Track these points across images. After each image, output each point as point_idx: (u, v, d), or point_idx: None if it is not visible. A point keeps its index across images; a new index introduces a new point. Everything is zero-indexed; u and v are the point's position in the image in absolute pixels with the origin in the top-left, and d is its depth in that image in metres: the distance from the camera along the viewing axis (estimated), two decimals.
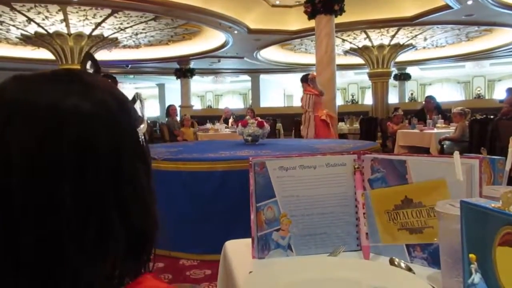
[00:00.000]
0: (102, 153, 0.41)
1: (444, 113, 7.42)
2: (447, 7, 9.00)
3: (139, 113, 0.50)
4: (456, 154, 0.76)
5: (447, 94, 18.11)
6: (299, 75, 21.10)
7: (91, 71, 0.52)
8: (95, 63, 0.53)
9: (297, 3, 9.43)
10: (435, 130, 6.28)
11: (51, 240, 0.38)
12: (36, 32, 9.66)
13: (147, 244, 0.46)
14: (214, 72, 18.56)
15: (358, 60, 13.52)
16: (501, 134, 5.00)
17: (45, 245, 0.38)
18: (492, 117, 5.67)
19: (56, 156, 0.39)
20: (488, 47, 13.48)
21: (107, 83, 0.47)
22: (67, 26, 9.44)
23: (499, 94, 13.72)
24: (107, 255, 0.41)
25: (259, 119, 4.29)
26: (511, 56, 15.13)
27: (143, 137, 0.48)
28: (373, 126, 8.72)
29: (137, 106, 0.51)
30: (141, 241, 0.45)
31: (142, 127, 0.49)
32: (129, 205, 0.43)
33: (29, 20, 8.99)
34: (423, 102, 8.38)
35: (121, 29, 10.21)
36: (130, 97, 0.51)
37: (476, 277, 0.47)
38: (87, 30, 9.79)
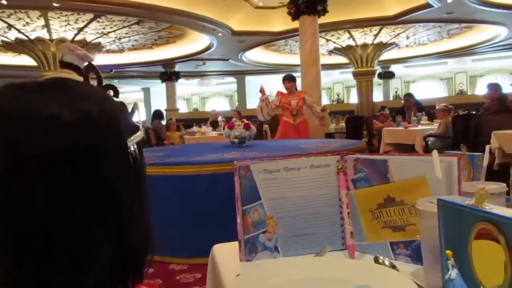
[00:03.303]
0: (80, 164, 0.39)
1: (425, 109, 7.56)
2: (428, 5, 9.14)
3: (135, 122, 0.49)
4: (435, 152, 0.78)
5: (431, 90, 18.37)
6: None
7: (94, 81, 0.52)
8: (97, 73, 0.53)
9: (281, 4, 9.47)
10: (420, 127, 6.36)
11: (28, 257, 0.37)
12: (17, 38, 9.52)
13: (136, 264, 0.44)
14: (200, 74, 18.52)
15: (342, 59, 13.64)
16: (483, 129, 5.10)
17: (22, 263, 0.37)
18: (474, 112, 5.77)
19: (31, 166, 0.37)
20: (469, 43, 13.73)
21: (96, 93, 0.46)
22: (49, 31, 9.32)
23: (481, 89, 13.94)
24: (87, 274, 0.39)
25: (245, 121, 4.30)
26: (491, 52, 15.43)
27: (135, 146, 0.46)
28: (359, 124, 8.79)
29: (134, 115, 0.50)
30: (129, 261, 0.43)
31: (138, 135, 0.48)
32: (112, 221, 0.41)
33: (10, 26, 8.86)
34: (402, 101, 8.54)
35: (104, 34, 10.13)
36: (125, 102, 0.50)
37: (453, 273, 0.49)
38: (69, 36, 9.68)
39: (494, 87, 5.83)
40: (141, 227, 0.45)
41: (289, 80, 5.47)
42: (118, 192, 0.42)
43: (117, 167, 0.43)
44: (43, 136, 0.39)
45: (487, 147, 0.90)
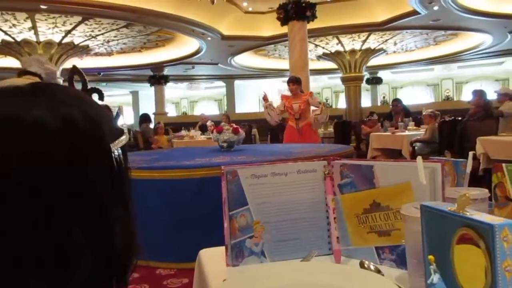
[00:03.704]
0: (60, 169, 0.39)
1: (412, 114, 7.68)
2: (415, 12, 9.29)
3: (119, 126, 0.49)
4: (419, 158, 0.80)
5: (418, 96, 18.61)
6: (274, 80, 21.09)
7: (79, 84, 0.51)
8: (81, 76, 0.52)
9: (270, 9, 9.53)
10: (407, 132, 6.44)
11: (6, 263, 0.36)
12: (3, 40, 9.40)
13: (121, 270, 0.44)
14: (189, 78, 18.49)
15: (331, 65, 13.76)
16: (469, 134, 5.18)
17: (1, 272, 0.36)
18: (460, 118, 5.86)
19: (12, 171, 0.37)
20: (455, 50, 13.98)
21: (80, 97, 0.45)
22: (36, 33, 9.23)
23: (467, 96, 14.17)
24: (70, 280, 0.39)
25: (234, 125, 4.30)
26: (477, 59, 15.72)
27: (119, 151, 0.46)
28: (347, 129, 8.86)
29: (119, 119, 0.50)
30: (113, 266, 0.43)
31: (122, 139, 0.47)
32: (95, 227, 0.41)
33: None
34: (390, 106, 8.66)
35: (92, 37, 10.06)
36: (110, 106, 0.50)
37: (435, 277, 0.50)
38: (57, 38, 9.60)
39: (479, 94, 5.93)
40: (125, 232, 0.44)
41: (293, 82, 5.28)
42: (101, 197, 0.42)
43: (101, 172, 0.42)
44: (25, 140, 0.38)
45: (471, 153, 0.92)
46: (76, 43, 10.08)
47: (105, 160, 0.43)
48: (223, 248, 0.96)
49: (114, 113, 0.51)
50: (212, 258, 1.01)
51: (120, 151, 0.46)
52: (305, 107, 5.19)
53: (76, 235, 0.39)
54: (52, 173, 0.38)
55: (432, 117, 6.15)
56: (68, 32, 9.43)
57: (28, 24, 8.72)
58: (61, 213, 0.39)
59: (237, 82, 18.70)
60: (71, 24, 9.00)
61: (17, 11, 8.03)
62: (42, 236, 0.38)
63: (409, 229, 0.72)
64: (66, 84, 0.52)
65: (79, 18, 8.74)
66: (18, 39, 9.36)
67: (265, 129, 10.66)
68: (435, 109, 6.82)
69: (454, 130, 5.54)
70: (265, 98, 5.46)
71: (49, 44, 9.67)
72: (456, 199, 0.75)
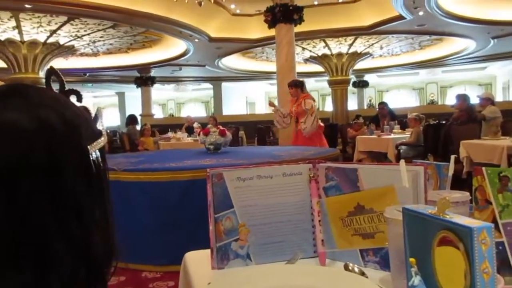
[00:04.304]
0: (38, 172, 0.38)
1: (397, 118, 7.78)
2: (401, 17, 9.42)
3: (98, 128, 0.48)
4: (402, 162, 0.81)
5: (403, 100, 18.86)
6: (261, 82, 21.09)
7: (56, 86, 0.50)
8: (59, 77, 0.52)
9: (258, 12, 9.56)
10: (392, 136, 6.51)
11: None
12: None
13: (100, 273, 0.44)
14: (176, 80, 18.40)
15: (318, 68, 13.84)
16: (453, 138, 5.26)
17: None
18: (444, 122, 5.95)
19: None
20: (439, 55, 14.20)
21: (56, 99, 0.45)
22: (20, 33, 9.09)
23: (451, 99, 14.40)
24: (49, 285, 0.38)
25: (221, 127, 4.29)
26: (461, 64, 15.99)
27: (97, 153, 0.45)
28: (333, 132, 8.90)
29: (98, 121, 0.49)
30: (92, 270, 0.42)
31: (100, 141, 0.47)
32: (73, 231, 0.40)
33: None
34: (377, 109, 8.77)
35: (78, 37, 9.95)
36: (89, 107, 0.50)
37: (416, 280, 0.50)
38: (41, 38, 9.46)
39: (463, 98, 6.02)
40: (104, 236, 0.44)
41: (290, 86, 5.35)
42: (79, 200, 0.41)
43: (78, 174, 0.42)
44: (0, 143, 0.38)
45: (452, 157, 0.94)
46: (61, 43, 9.96)
47: (82, 162, 0.43)
48: (208, 251, 0.96)
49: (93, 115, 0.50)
50: (197, 261, 1.01)
51: (98, 153, 0.46)
52: (300, 110, 5.20)
53: (53, 238, 0.39)
54: (28, 176, 0.38)
55: (417, 121, 6.24)
56: (53, 32, 9.30)
57: (12, 23, 8.58)
58: (37, 216, 0.38)
59: (224, 84, 18.68)
60: (56, 23, 8.89)
61: (0, 10, 7.89)
62: (18, 239, 0.37)
63: (392, 231, 0.73)
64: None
65: (65, 18, 8.63)
66: (2, 38, 9.21)
67: (252, 131, 10.68)
68: (420, 112, 6.92)
69: (438, 134, 5.62)
70: (270, 104, 5.63)
71: (33, 44, 9.53)
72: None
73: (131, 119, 8.63)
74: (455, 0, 8.97)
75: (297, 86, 5.36)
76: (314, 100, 5.33)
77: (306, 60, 13.42)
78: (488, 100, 6.04)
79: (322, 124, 5.45)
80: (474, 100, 6.27)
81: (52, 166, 0.40)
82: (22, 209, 0.37)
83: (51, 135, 0.40)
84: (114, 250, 0.46)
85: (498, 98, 15.76)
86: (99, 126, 0.49)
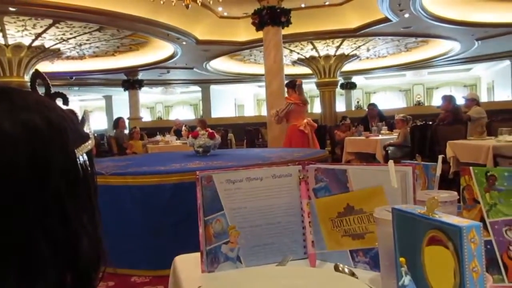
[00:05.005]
0: (23, 177, 0.37)
1: (386, 119, 7.85)
2: (386, 19, 9.52)
3: (85, 131, 0.47)
4: (391, 162, 0.81)
5: (390, 101, 19.05)
6: (249, 85, 21.11)
7: (41, 89, 0.49)
8: (44, 81, 0.51)
9: (245, 14, 9.56)
10: (380, 137, 6.56)
11: None
12: None
13: (87, 280, 0.43)
14: (164, 83, 18.31)
15: (306, 70, 13.90)
16: (439, 138, 5.32)
17: None
18: (431, 123, 6.02)
19: None
20: (425, 57, 14.38)
21: (41, 102, 0.44)
22: (4, 36, 8.95)
23: (437, 101, 14.59)
24: None
25: (209, 130, 4.28)
26: (446, 66, 16.22)
27: (85, 157, 0.45)
28: (322, 134, 8.94)
29: (85, 124, 0.49)
30: (79, 277, 0.42)
31: (87, 144, 0.46)
32: (60, 237, 0.39)
33: None
34: (366, 110, 8.85)
35: (64, 40, 9.83)
36: (76, 111, 0.49)
37: (406, 279, 0.51)
38: (26, 41, 9.33)
39: (448, 99, 6.11)
40: (92, 241, 0.43)
41: (286, 86, 5.69)
42: (65, 205, 0.41)
43: (64, 179, 0.41)
44: None
45: (440, 157, 0.95)
46: (46, 46, 9.83)
47: (69, 166, 0.42)
48: (198, 254, 0.95)
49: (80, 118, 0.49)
50: (187, 264, 1.00)
51: (86, 156, 0.45)
52: (283, 109, 5.48)
53: (39, 245, 0.38)
54: (13, 181, 0.37)
55: (404, 122, 6.30)
56: (38, 35, 9.18)
57: None
58: (22, 222, 0.37)
59: (213, 87, 18.64)
60: (41, 27, 8.77)
61: None
62: (2, 246, 0.36)
63: (381, 232, 0.73)
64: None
65: (50, 21, 8.52)
66: None
67: (241, 134, 10.68)
68: (407, 113, 7.00)
69: (425, 135, 5.69)
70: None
71: (18, 47, 9.39)
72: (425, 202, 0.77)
73: (119, 122, 8.52)
74: (440, 3, 9.09)
75: (288, 86, 5.70)
76: (300, 104, 5.47)
77: (294, 62, 13.47)
78: (473, 101, 6.13)
79: (315, 125, 5.71)
80: (460, 101, 6.37)
81: (37, 170, 0.39)
82: (6, 215, 0.36)
83: (36, 139, 0.39)
84: (102, 255, 0.45)
85: (483, 98, 16.06)
86: (86, 129, 0.48)
